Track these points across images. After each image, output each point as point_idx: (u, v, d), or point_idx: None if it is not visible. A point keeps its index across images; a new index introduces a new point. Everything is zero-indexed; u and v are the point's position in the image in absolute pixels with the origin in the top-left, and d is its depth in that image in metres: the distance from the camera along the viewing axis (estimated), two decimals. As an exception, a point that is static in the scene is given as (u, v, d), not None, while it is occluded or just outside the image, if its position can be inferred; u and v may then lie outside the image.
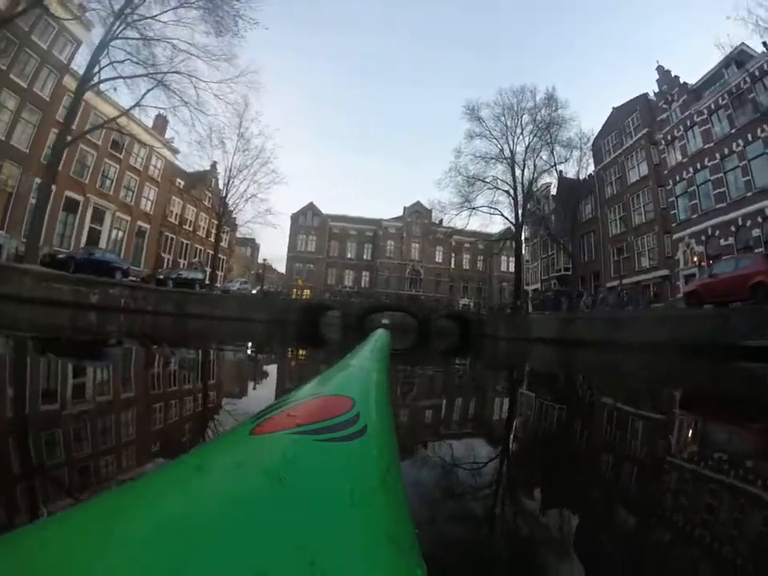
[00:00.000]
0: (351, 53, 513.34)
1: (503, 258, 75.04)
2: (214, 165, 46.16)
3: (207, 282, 40.12)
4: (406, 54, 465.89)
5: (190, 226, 50.99)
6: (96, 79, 27.69)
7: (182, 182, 48.01)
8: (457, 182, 45.88)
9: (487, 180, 45.59)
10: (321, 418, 0.84)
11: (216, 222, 44.89)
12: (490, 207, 45.87)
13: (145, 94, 29.09)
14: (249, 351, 9.92)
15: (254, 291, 45.39)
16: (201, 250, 52.46)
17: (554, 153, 42.98)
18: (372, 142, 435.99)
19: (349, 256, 79.51)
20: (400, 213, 79.66)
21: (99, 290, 23.58)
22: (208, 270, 45.52)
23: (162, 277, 33.64)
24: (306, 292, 58.59)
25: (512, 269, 75.20)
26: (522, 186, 44.71)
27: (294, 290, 58.00)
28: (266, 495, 0.54)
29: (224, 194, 43.96)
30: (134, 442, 2.35)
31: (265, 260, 55.02)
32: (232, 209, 45.89)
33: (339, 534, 0.52)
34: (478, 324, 43.60)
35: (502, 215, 45.97)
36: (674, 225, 33.60)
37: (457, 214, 46.25)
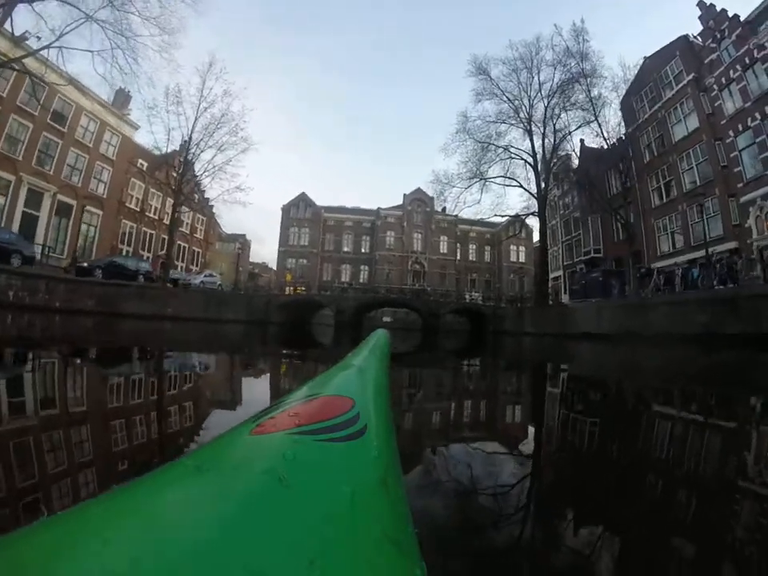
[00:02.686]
0: (338, 47, 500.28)
1: (512, 247, 72.89)
2: (184, 144, 39.26)
3: (157, 274, 33.64)
4: (395, 45, 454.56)
5: (155, 214, 44.71)
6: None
7: (145, 164, 41.19)
8: (466, 147, 39.52)
9: (501, 145, 39.05)
10: (321, 418, 0.84)
11: (172, 200, 37.91)
12: (505, 178, 39.48)
13: (65, 31, 23.11)
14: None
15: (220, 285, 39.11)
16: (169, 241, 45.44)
17: (593, 105, 35.20)
18: (364, 136, 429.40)
19: (345, 249, 74.20)
20: (399, 202, 74.08)
21: (-31, 277, 16.79)
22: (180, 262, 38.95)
23: (85, 265, 26.56)
24: (300, 290, 52.12)
25: (522, 258, 72.45)
26: (544, 153, 37.96)
27: (288, 288, 51.25)
28: (266, 495, 0.54)
29: (181, 165, 37.18)
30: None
31: (239, 248, 48.65)
32: (197, 182, 39.71)
33: (339, 533, 0.52)
34: (494, 319, 37.39)
35: (521, 186, 39.39)
36: (740, 185, 27.25)
37: (467, 188, 39.50)
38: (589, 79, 34.74)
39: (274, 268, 79.03)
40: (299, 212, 73.16)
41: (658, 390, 6.79)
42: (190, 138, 36.72)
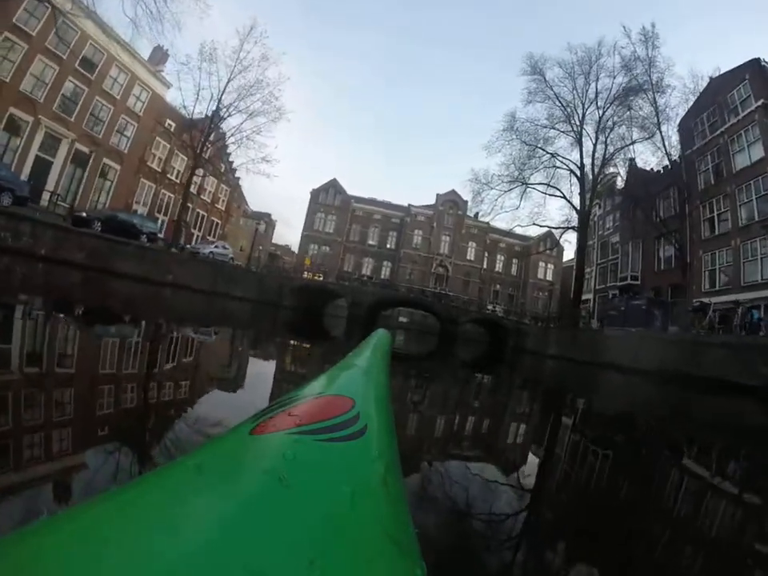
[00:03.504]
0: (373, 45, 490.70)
1: (541, 264, 70.93)
2: (216, 111, 37.54)
3: (163, 237, 32.22)
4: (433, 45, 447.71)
5: (177, 177, 42.65)
6: None
7: (173, 124, 39.32)
8: (511, 147, 37.29)
9: (549, 152, 36.70)
10: (321, 418, 0.85)
11: (192, 162, 36.27)
12: (549, 186, 37.13)
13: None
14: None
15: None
16: (189, 207, 43.54)
17: (658, 116, 32.52)
18: (395, 132, 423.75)
19: (370, 242, 72.31)
20: (430, 201, 72.12)
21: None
22: (187, 227, 38.12)
23: (84, 215, 24.23)
24: (317, 277, 50.34)
25: (549, 276, 70.29)
26: (592, 166, 35.54)
27: (307, 273, 49.52)
28: (266, 495, 0.55)
29: (207, 127, 35.77)
30: None
31: (258, 224, 46.95)
32: (222, 147, 38.77)
33: (339, 533, 0.53)
34: (516, 335, 35.50)
35: (564, 197, 36.87)
36: (803, 224, 24.66)
37: (506, 191, 37.22)
38: (655, 88, 32.18)
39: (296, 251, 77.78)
40: (328, 198, 71.70)
41: (694, 442, 5.95)
42: (220, 100, 35.43)
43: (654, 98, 32.25)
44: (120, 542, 0.42)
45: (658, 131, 32.47)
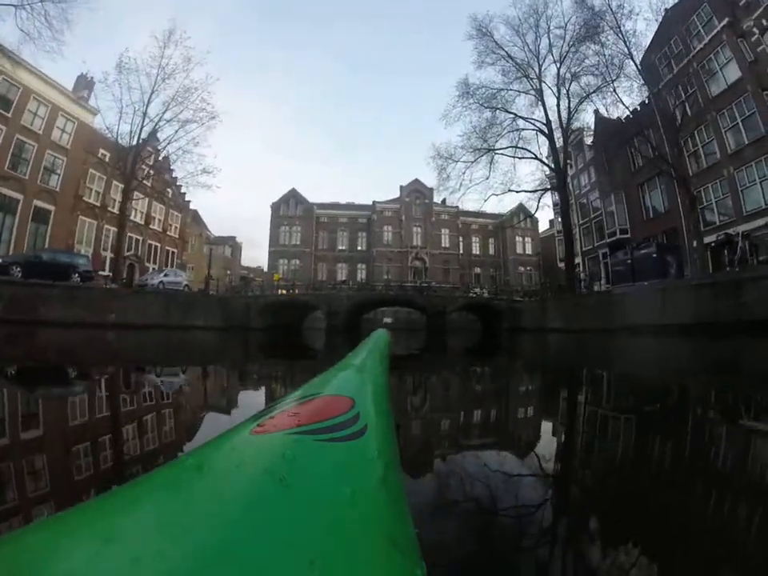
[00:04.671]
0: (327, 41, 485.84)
1: (518, 239, 69.85)
2: (153, 133, 34.68)
3: (104, 273, 30.15)
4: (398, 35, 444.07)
5: (118, 209, 39.28)
6: None
7: (107, 154, 36.67)
8: (471, 113, 35.29)
9: (512, 112, 34.59)
10: (321, 417, 0.86)
11: (125, 186, 33.78)
12: (516, 149, 35.01)
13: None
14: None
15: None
16: (139, 240, 41.43)
17: (626, 43, 29.90)
18: (359, 129, 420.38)
19: (341, 248, 70.61)
20: (396, 195, 70.07)
21: None
22: (140, 261, 35.84)
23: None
24: (294, 292, 47.64)
25: (529, 250, 68.53)
26: (560, 120, 33.39)
27: (284, 291, 46.82)
28: (266, 495, 0.55)
29: (137, 142, 33.23)
30: None
31: (211, 247, 44.29)
32: (160, 167, 36.57)
33: (339, 533, 0.54)
34: (511, 314, 33.12)
35: (536, 157, 34.88)
36: (798, 139, 22.62)
37: (473, 162, 34.97)
38: (616, 14, 29.66)
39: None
40: (289, 209, 69.57)
41: (751, 400, 4.56)
42: (145, 113, 33.00)
43: (618, 25, 29.74)
44: (120, 541, 0.42)
45: (630, 59, 30.02)
